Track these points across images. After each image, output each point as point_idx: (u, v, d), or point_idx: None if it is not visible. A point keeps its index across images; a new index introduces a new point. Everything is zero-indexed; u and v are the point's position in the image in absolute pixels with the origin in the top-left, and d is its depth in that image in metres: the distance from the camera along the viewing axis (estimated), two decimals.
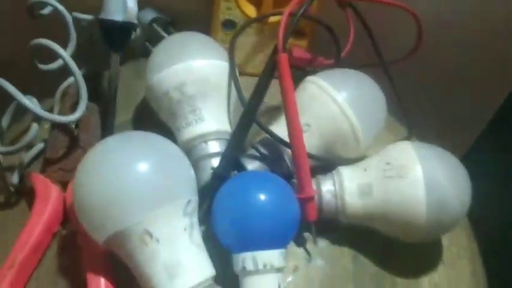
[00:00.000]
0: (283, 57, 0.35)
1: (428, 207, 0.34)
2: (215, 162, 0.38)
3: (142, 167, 0.31)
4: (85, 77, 0.39)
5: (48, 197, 0.37)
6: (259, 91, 0.36)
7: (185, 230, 0.32)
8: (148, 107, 0.43)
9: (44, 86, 0.43)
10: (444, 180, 0.35)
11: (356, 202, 0.36)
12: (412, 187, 0.35)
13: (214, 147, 0.38)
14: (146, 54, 0.51)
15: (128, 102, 0.47)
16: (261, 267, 0.32)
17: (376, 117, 0.40)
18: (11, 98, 0.36)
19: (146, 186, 0.31)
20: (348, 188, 0.37)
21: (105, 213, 0.31)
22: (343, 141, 0.38)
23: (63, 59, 0.37)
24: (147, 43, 0.50)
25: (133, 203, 0.31)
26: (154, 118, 0.43)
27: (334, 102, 0.38)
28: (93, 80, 0.44)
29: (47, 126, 0.42)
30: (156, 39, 0.48)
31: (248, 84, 0.40)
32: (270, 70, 0.35)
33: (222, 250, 0.34)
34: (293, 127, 0.35)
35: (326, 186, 0.37)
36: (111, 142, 0.33)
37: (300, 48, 0.48)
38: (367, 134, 0.38)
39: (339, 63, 0.46)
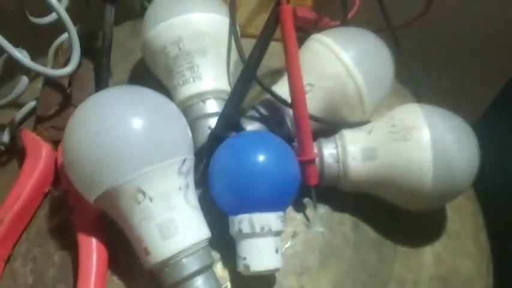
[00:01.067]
0: (286, 9, 0.33)
1: (435, 172, 0.33)
2: (213, 122, 0.36)
3: (137, 121, 0.30)
4: (79, 35, 0.37)
5: (39, 155, 0.35)
6: (261, 44, 0.34)
7: (180, 189, 0.31)
8: (144, 68, 0.42)
9: (36, 43, 0.41)
10: (452, 144, 0.34)
11: (359, 166, 0.35)
12: (419, 150, 0.33)
13: (212, 106, 0.37)
14: (143, 14, 0.49)
15: (123, 62, 0.45)
16: (258, 230, 0.31)
17: (383, 78, 0.38)
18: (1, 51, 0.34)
19: (140, 142, 0.29)
20: (351, 151, 0.35)
21: (95, 169, 0.29)
22: (347, 102, 0.36)
23: (57, 12, 0.35)
24: (145, 2, 0.48)
25: (125, 159, 0.29)
26: (150, 78, 0.41)
27: (339, 60, 0.36)
28: (87, 39, 0.42)
29: (39, 85, 0.41)
30: None
31: (249, 46, 0.37)
32: (272, 23, 0.33)
33: (218, 213, 0.33)
34: (295, 85, 0.33)
35: (328, 150, 0.35)
36: (104, 95, 0.32)
37: (304, 8, 0.46)
38: (372, 95, 0.36)
39: (346, 25, 0.44)
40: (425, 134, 0.33)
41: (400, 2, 0.46)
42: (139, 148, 0.29)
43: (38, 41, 0.43)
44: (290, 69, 0.33)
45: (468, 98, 0.58)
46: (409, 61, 0.43)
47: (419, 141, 0.33)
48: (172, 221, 0.30)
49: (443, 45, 0.56)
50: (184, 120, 0.33)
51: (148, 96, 0.32)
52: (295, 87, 0.33)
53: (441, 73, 0.57)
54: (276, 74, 0.44)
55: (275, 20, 0.34)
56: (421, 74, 0.46)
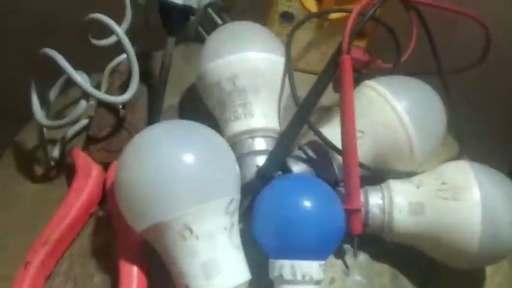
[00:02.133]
0: (346, 59, 0.33)
1: (483, 233, 0.32)
2: (260, 160, 0.36)
3: (191, 159, 0.30)
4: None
5: (89, 175, 0.36)
6: (317, 90, 0.34)
7: (225, 229, 0.31)
8: (195, 93, 0.42)
9: (90, 61, 0.42)
10: (502, 207, 0.33)
11: (405, 220, 0.34)
12: (468, 211, 0.32)
13: (261, 144, 0.37)
14: (198, 38, 0.50)
15: (175, 86, 0.46)
16: (299, 277, 0.31)
17: (435, 130, 0.37)
18: (59, 70, 0.35)
19: (192, 180, 0.30)
20: (398, 204, 0.34)
21: (147, 203, 0.30)
22: (397, 152, 0.36)
23: (118, 36, 0.36)
24: (199, 27, 0.49)
25: (177, 196, 0.30)
26: (200, 106, 0.41)
27: (392, 110, 0.36)
28: (142, 61, 0.43)
29: (92, 102, 0.42)
30: (209, 24, 0.47)
31: (299, 81, 0.39)
32: (331, 70, 0.33)
33: (257, 251, 0.33)
34: (348, 133, 0.33)
35: (374, 199, 0.35)
36: (160, 129, 0.32)
37: (358, 49, 0.46)
38: (423, 147, 0.36)
39: (398, 68, 0.44)
40: (475, 195, 0.32)
41: (452, 46, 0.45)
42: (191, 186, 0.30)
43: (94, 59, 0.44)
44: (345, 119, 0.33)
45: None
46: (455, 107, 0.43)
47: (470, 202, 0.32)
48: (216, 261, 0.30)
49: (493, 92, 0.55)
50: (234, 158, 0.33)
51: (201, 132, 0.33)
52: (348, 138, 0.33)
53: (484, 121, 0.56)
54: (323, 112, 0.44)
55: (334, 67, 0.34)
56: (464, 120, 0.45)
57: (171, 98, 0.45)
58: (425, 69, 0.43)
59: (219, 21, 0.47)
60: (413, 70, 0.42)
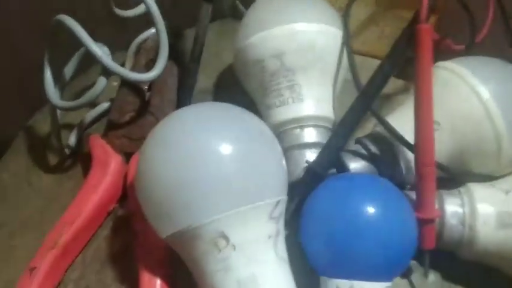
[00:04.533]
0: (425, 29, 0.26)
1: None
2: (310, 154, 0.30)
3: (229, 150, 0.24)
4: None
5: (107, 167, 0.31)
6: (386, 69, 0.27)
7: (269, 237, 0.25)
8: (232, 76, 0.37)
9: (116, 37, 0.36)
10: None
11: (491, 235, 0.27)
12: None
13: (311, 135, 0.31)
14: (235, 14, 0.44)
15: (208, 68, 0.40)
16: None
17: None
18: (78, 45, 0.30)
19: (231, 176, 0.24)
20: (482, 214, 0.28)
21: (174, 203, 0.24)
22: (480, 150, 0.29)
23: (146, 5, 0.30)
24: (237, 1, 0.43)
25: (211, 197, 0.24)
26: (238, 90, 0.35)
27: (476, 96, 0.29)
28: (172, 38, 0.37)
29: (115, 83, 0.36)
30: None
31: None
32: (404, 44, 0.27)
33: (306, 267, 0.27)
34: (425, 124, 0.26)
35: (451, 207, 0.28)
36: (191, 113, 0.27)
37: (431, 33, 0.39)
38: None
39: (472, 49, 0.37)
40: None
41: None
42: (229, 184, 0.24)
43: (119, 35, 0.38)
44: (420, 105, 0.26)
45: None
46: None
47: None
48: (255, 277, 0.24)
49: None
50: (280, 151, 0.27)
51: (242, 118, 0.27)
52: (424, 129, 0.26)
53: None
54: (385, 101, 0.38)
55: (408, 40, 0.27)
56: None
57: (203, 81, 0.39)
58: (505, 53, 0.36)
59: None
60: (489, 54, 0.35)
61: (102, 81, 0.30)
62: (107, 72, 0.30)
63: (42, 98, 0.35)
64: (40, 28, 0.34)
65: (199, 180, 0.24)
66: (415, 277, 0.30)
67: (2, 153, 0.37)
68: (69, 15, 0.29)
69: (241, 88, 0.36)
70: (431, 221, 0.27)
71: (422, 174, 0.27)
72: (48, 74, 0.31)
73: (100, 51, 0.29)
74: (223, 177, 0.24)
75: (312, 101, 0.31)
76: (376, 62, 0.30)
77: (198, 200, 0.24)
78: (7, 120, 0.39)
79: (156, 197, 0.25)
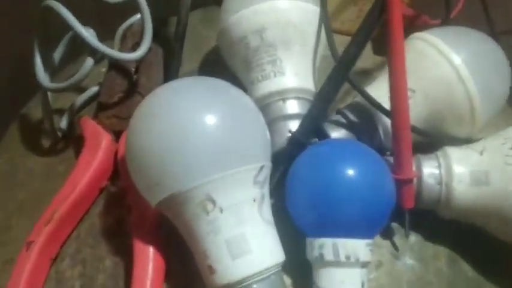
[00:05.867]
0: (395, 3, 0.28)
1: None
2: (293, 125, 0.31)
3: (213, 118, 0.25)
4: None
5: (98, 146, 0.32)
6: (360, 40, 0.28)
7: (254, 201, 0.26)
8: (217, 58, 0.38)
9: (101, 24, 0.37)
10: None
11: (466, 191, 0.29)
12: None
13: (293, 107, 0.32)
14: (218, 1, 0.45)
15: (194, 51, 0.41)
16: (343, 258, 0.26)
17: (498, 87, 0.31)
18: (66, 30, 0.31)
19: (216, 142, 0.25)
20: (457, 173, 0.29)
21: (162, 170, 0.25)
22: (455, 113, 0.31)
23: None
24: None
25: (197, 161, 0.25)
26: (223, 70, 0.37)
27: (448, 63, 0.30)
28: (157, 24, 0.38)
29: (103, 69, 0.37)
30: None
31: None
32: (376, 13, 0.28)
33: (292, 230, 0.28)
34: (399, 91, 0.28)
35: (428, 169, 0.30)
36: (176, 86, 0.28)
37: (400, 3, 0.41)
38: (485, 106, 0.30)
39: (447, 24, 0.38)
40: None
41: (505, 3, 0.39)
42: (214, 149, 0.25)
43: (104, 22, 0.39)
44: (394, 71, 0.28)
45: None
46: None
47: None
48: (244, 237, 0.25)
49: None
50: (263, 121, 0.28)
51: (225, 89, 0.28)
52: (399, 94, 0.28)
53: None
54: (362, 74, 0.39)
55: (379, 11, 0.28)
56: None
57: (190, 63, 0.40)
58: (479, 28, 0.37)
59: None
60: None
61: (89, 62, 0.31)
62: (93, 53, 0.31)
63: (32, 88, 0.36)
64: (28, 16, 0.35)
65: (185, 147, 0.25)
66: (397, 238, 0.31)
67: None
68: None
69: (225, 70, 0.37)
70: (410, 180, 0.29)
71: (399, 137, 0.29)
72: (37, 59, 0.32)
73: (86, 32, 0.30)
74: (207, 144, 0.25)
75: (293, 75, 0.32)
76: None
77: (184, 166, 0.25)
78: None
79: (145, 166, 0.26)
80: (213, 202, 0.25)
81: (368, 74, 0.39)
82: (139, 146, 0.26)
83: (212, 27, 0.44)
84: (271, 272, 0.26)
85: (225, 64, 0.37)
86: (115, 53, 0.31)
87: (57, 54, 0.34)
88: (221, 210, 0.25)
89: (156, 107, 0.26)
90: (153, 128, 0.26)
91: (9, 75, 0.38)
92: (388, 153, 0.32)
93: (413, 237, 0.32)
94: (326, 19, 0.33)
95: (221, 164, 0.25)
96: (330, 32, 0.32)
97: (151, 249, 0.28)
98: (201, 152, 0.25)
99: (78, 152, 0.34)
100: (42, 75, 0.32)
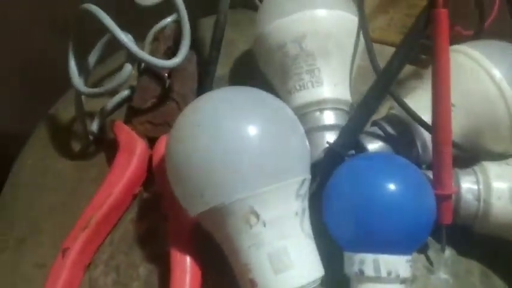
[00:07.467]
0: (442, 13, 0.27)
1: None
2: (329, 136, 0.31)
3: (259, 131, 0.25)
4: None
5: (133, 152, 0.32)
6: (403, 52, 0.28)
7: (296, 214, 0.26)
8: (248, 62, 0.37)
9: (134, 26, 0.37)
10: None
11: (505, 208, 0.29)
12: None
13: (330, 118, 0.32)
14: (247, 4, 0.45)
15: (223, 56, 0.40)
16: (384, 274, 0.26)
17: None
18: (101, 33, 0.31)
19: (262, 156, 0.25)
20: (496, 189, 0.29)
21: (205, 181, 0.25)
22: (494, 129, 0.30)
23: None
24: None
25: (243, 175, 0.25)
26: (256, 75, 0.36)
27: (490, 78, 0.30)
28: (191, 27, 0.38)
29: (133, 72, 0.37)
30: None
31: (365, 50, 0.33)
32: (421, 27, 0.28)
33: (330, 243, 0.28)
34: (442, 106, 0.28)
35: (467, 184, 0.30)
36: (219, 97, 0.27)
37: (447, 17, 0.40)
38: None
39: (481, 35, 0.38)
40: None
41: None
42: (259, 163, 0.25)
43: (133, 23, 0.39)
44: (438, 86, 0.28)
45: None
46: None
47: None
48: (286, 251, 0.25)
49: None
50: (303, 133, 0.28)
51: (268, 101, 0.28)
52: (442, 109, 0.28)
53: None
54: (397, 85, 0.39)
55: (425, 24, 0.28)
56: None
57: (220, 68, 0.40)
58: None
59: None
60: (496, 39, 0.36)
61: (128, 68, 0.30)
62: (132, 59, 0.30)
63: (60, 88, 0.35)
64: (50, 19, 0.35)
65: (231, 158, 0.25)
66: (431, 253, 0.31)
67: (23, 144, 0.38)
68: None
69: (256, 75, 0.36)
70: (449, 196, 0.29)
71: (440, 152, 0.28)
72: (72, 63, 0.32)
73: (125, 38, 0.30)
74: (253, 156, 0.25)
75: (330, 85, 0.32)
76: (387, 49, 0.31)
77: (229, 177, 0.25)
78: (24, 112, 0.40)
79: (187, 177, 0.26)
80: (257, 216, 0.25)
81: (401, 84, 0.39)
82: (182, 156, 0.26)
83: (240, 31, 0.43)
84: (311, 287, 0.26)
85: (257, 70, 0.36)
86: (154, 60, 0.31)
87: (92, 59, 0.34)
88: (264, 224, 0.25)
89: (201, 116, 0.26)
90: (197, 139, 0.26)
91: (36, 74, 0.38)
92: (424, 166, 0.31)
93: (448, 252, 0.31)
94: (366, 30, 0.32)
95: (266, 177, 0.25)
96: (371, 43, 0.32)
97: (188, 259, 0.28)
98: (247, 164, 0.25)
99: (109, 157, 0.34)
100: (77, 80, 0.31)
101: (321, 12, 0.32)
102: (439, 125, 0.28)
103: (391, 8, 0.41)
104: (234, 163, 0.25)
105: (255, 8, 0.42)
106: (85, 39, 0.34)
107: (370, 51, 0.31)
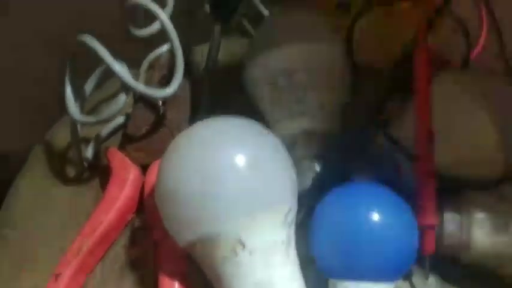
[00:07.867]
0: (422, 49, 0.29)
1: None
2: (317, 165, 0.32)
3: (244, 161, 0.26)
4: None
5: (126, 179, 0.32)
6: (387, 88, 0.29)
7: (283, 243, 0.27)
8: (239, 90, 0.38)
9: (128, 54, 0.38)
10: None
11: (486, 239, 0.30)
12: None
13: (319, 147, 0.33)
14: (240, 31, 0.46)
15: (218, 82, 0.42)
16: None
17: None
18: (95, 61, 0.32)
19: (247, 185, 0.26)
20: (478, 219, 0.30)
21: (193, 212, 0.26)
22: (478, 158, 0.31)
23: (161, 22, 0.32)
24: (243, 20, 0.45)
25: (229, 204, 0.26)
26: (246, 103, 0.37)
27: (475, 108, 0.31)
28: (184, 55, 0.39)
29: (128, 99, 0.38)
30: (252, 16, 0.43)
31: None
32: (405, 62, 0.29)
33: (314, 271, 0.29)
34: (423, 136, 0.29)
35: (449, 215, 0.30)
36: (206, 127, 0.28)
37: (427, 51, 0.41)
38: (510, 154, 0.31)
39: (467, 65, 0.39)
40: None
41: None
42: (245, 192, 0.26)
43: (128, 54, 0.40)
44: (420, 119, 0.29)
45: None
46: None
47: None
48: (271, 281, 0.26)
49: None
50: (291, 162, 0.29)
51: (254, 130, 0.29)
52: (423, 140, 0.29)
53: None
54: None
55: (407, 60, 0.29)
56: None
57: (214, 93, 0.41)
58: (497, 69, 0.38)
59: (264, 11, 0.43)
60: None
61: (122, 98, 0.31)
62: (126, 89, 0.31)
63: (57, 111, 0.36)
64: (51, 43, 0.36)
65: (217, 190, 0.26)
66: (416, 279, 0.32)
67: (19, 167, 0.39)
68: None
69: (247, 101, 0.37)
70: (432, 227, 0.30)
71: (423, 183, 0.29)
72: (69, 91, 0.33)
73: (121, 69, 0.31)
74: (239, 187, 0.26)
75: (319, 114, 0.33)
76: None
77: (216, 208, 0.26)
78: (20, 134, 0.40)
79: (175, 206, 0.27)
80: (243, 244, 0.26)
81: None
82: (170, 186, 0.27)
83: (234, 58, 0.44)
84: None
85: (247, 97, 0.37)
86: (148, 90, 0.32)
87: (88, 87, 0.35)
88: (250, 253, 0.26)
89: (189, 147, 0.27)
90: (185, 169, 0.26)
91: (34, 99, 0.39)
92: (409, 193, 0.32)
93: (431, 279, 0.32)
94: (351, 63, 0.34)
95: (252, 206, 0.26)
96: (357, 71, 0.33)
97: (176, 286, 0.29)
98: (232, 194, 0.26)
99: (103, 183, 0.35)
100: (73, 108, 0.32)
101: (310, 46, 0.33)
102: (422, 157, 0.29)
103: (383, 38, 0.42)
104: (220, 193, 0.26)
105: (248, 35, 0.43)
106: (83, 64, 0.35)
107: (356, 80, 0.33)
